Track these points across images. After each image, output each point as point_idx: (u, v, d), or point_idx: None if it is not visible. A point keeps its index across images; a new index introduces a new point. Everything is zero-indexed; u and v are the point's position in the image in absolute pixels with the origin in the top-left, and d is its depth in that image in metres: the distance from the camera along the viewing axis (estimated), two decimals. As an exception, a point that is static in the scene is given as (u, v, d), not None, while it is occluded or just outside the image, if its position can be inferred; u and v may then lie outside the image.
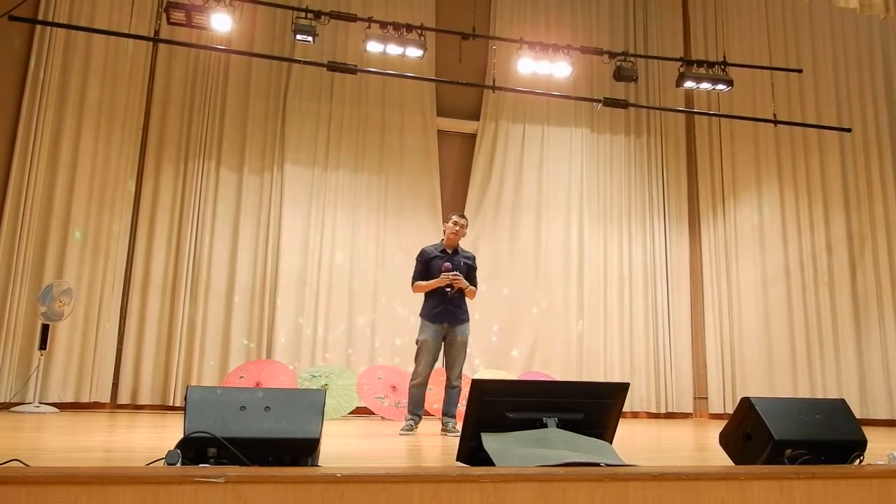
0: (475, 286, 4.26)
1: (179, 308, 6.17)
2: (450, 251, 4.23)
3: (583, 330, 7.00)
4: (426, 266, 4.20)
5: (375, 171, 6.92)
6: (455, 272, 4.07)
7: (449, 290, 4.05)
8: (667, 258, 7.40)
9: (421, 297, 4.26)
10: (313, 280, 6.53)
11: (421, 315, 4.19)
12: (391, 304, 6.68)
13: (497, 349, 6.83)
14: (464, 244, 4.46)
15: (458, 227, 4.20)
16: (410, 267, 5.77)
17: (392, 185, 6.94)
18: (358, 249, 6.72)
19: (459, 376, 4.16)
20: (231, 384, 5.62)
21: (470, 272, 4.24)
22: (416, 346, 4.17)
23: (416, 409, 4.09)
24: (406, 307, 6.56)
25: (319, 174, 6.77)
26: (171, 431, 3.66)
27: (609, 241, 7.33)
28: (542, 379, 6.15)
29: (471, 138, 7.32)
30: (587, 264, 7.18)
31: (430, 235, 6.65)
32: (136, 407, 5.98)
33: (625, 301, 7.18)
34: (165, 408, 6.00)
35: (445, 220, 4.32)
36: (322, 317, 6.49)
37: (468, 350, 4.29)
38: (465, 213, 5.76)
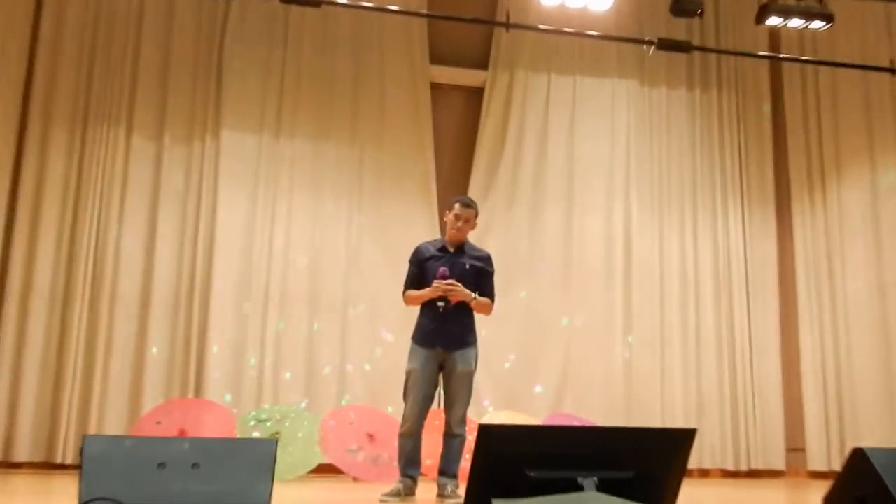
0: (490, 296, 4.31)
1: (73, 327, 6.12)
2: (452, 250, 4.29)
3: (631, 356, 6.96)
4: (421, 270, 4.27)
5: (346, 139, 6.89)
6: (450, 281, 4.11)
7: (441, 304, 4.10)
8: (746, 258, 7.36)
9: (415, 311, 4.31)
10: (260, 288, 6.49)
11: (412, 337, 4.25)
12: (367, 320, 6.64)
13: (513, 382, 6.80)
14: (471, 239, 4.48)
15: (460, 223, 4.25)
16: (393, 270, 5.72)
17: (369, 158, 6.91)
18: (323, 246, 6.70)
19: (463, 421, 4.18)
20: (145, 433, 5.56)
21: (481, 278, 4.29)
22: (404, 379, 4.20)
23: (409, 469, 4.10)
24: (389, 323, 6.51)
25: (269, 144, 6.74)
26: (59, 500, 3.63)
27: (666, 235, 7.30)
28: (575, 424, 6.14)
29: (476, 94, 7.26)
30: (637, 266, 7.14)
31: (423, 227, 6.67)
32: (10, 465, 5.93)
33: (689, 316, 7.15)
34: (52, 466, 5.96)
35: (448, 209, 4.37)
36: (272, 338, 6.44)
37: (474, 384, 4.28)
38: (471, 197, 5.81)
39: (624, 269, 7.13)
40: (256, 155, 6.70)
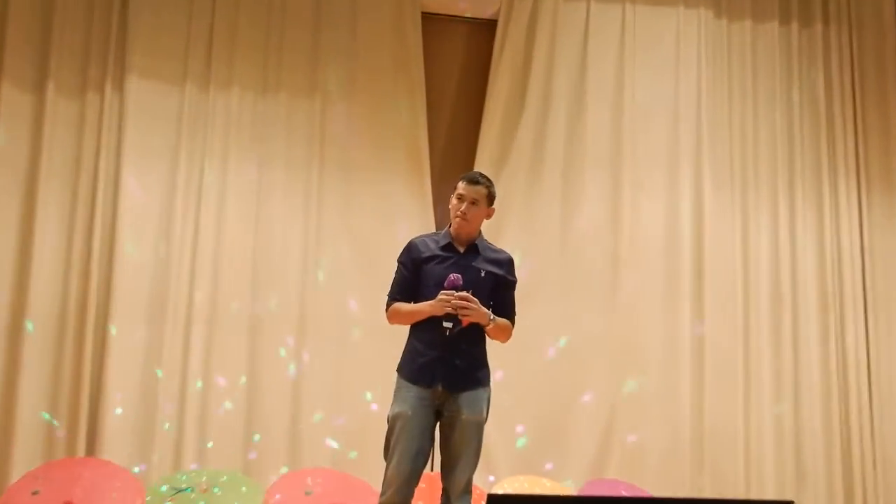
0: (510, 316, 4.36)
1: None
2: (461, 248, 4.32)
3: (703, 391, 6.81)
4: (416, 274, 4.33)
5: (303, 90, 6.80)
6: (464, 294, 4.09)
7: (449, 325, 4.09)
8: (863, 256, 7.22)
9: (404, 331, 4.32)
10: (181, 298, 6.36)
11: (398, 369, 4.27)
12: (331, 347, 6.55)
13: (536, 436, 6.69)
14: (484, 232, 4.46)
15: (464, 205, 4.29)
16: (369, 273, 5.71)
17: (334, 116, 6.80)
18: (271, 241, 6.60)
19: (468, 490, 4.16)
20: (15, 504, 5.35)
21: (499, 290, 4.33)
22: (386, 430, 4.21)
23: None
24: (363, 351, 6.47)
25: (194, 97, 6.63)
26: None
27: (752, 226, 7.11)
28: (623, 495, 6.13)
29: (486, 28, 7.20)
30: (711, 267, 6.95)
31: (411, 214, 6.70)
32: None
33: (783, 342, 6.95)
34: None
35: (452, 191, 4.42)
36: (197, 371, 6.32)
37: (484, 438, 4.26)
38: (481, 172, 5.89)
39: (693, 271, 6.96)
40: (177, 112, 6.58)
